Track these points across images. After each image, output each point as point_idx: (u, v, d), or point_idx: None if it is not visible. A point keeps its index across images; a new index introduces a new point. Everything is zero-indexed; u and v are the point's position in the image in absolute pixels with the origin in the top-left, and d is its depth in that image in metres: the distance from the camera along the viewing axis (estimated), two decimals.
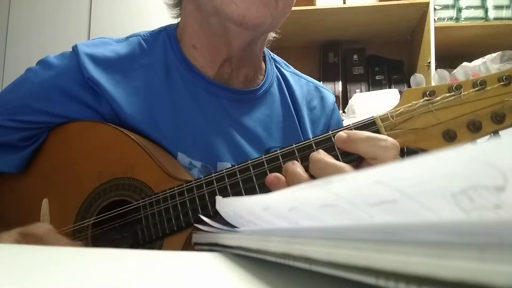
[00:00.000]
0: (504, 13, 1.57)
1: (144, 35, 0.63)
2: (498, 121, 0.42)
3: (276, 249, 0.18)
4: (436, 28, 1.51)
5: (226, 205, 0.29)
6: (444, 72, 0.45)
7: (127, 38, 0.63)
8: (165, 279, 0.20)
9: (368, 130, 0.44)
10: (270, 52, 0.71)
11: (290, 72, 0.71)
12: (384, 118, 0.44)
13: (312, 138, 0.45)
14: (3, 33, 1.92)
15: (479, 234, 0.09)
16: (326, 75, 1.76)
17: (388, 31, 1.72)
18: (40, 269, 0.21)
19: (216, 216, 0.46)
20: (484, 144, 0.10)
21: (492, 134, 0.44)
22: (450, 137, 0.43)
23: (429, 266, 0.10)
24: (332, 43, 1.80)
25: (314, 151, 0.44)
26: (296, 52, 1.88)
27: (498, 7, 1.58)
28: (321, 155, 0.42)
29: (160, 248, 0.49)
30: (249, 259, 0.23)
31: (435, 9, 1.57)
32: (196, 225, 0.36)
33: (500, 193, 0.09)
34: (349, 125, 0.45)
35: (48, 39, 1.86)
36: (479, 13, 1.58)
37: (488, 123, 0.42)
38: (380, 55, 1.76)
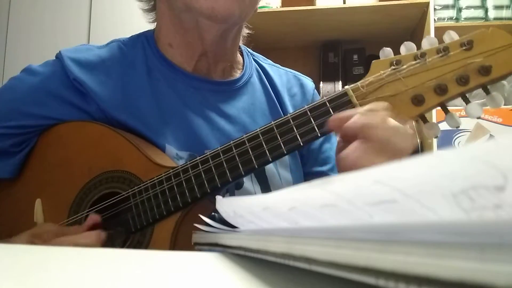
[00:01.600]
0: (504, 13, 1.57)
1: (123, 40, 0.66)
2: (463, 83, 0.44)
3: (276, 249, 0.18)
4: (436, 28, 1.51)
5: (226, 205, 0.29)
6: (411, 44, 0.48)
7: (107, 44, 0.65)
8: (166, 279, 0.20)
9: (340, 101, 0.46)
10: (248, 48, 0.73)
11: (269, 64, 0.73)
12: (355, 89, 0.46)
13: (289, 114, 0.47)
14: (3, 33, 1.92)
15: (479, 234, 0.09)
16: (326, 75, 1.76)
17: (388, 31, 1.72)
18: (40, 269, 0.21)
19: (204, 199, 0.48)
20: (484, 144, 0.10)
21: (461, 98, 0.46)
22: (418, 101, 0.45)
23: (429, 266, 0.10)
24: (332, 43, 1.80)
25: (291, 126, 0.46)
26: (296, 52, 1.88)
27: (498, 7, 1.58)
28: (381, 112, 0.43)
29: (151, 233, 0.50)
30: (249, 259, 0.23)
31: (435, 9, 1.57)
32: (196, 225, 0.36)
33: (500, 193, 0.09)
34: (323, 98, 0.47)
35: (48, 40, 1.85)
36: (479, 13, 1.58)
37: (454, 85, 0.44)
38: None
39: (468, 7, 1.59)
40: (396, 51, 0.49)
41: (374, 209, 0.13)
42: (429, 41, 0.46)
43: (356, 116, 0.42)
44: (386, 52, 0.48)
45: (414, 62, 0.45)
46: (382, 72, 0.46)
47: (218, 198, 0.32)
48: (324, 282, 0.17)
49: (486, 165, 0.09)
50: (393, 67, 0.46)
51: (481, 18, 1.58)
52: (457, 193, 0.10)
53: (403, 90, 0.45)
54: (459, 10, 1.60)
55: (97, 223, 0.50)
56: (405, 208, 0.12)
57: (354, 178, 0.14)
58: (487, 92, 0.45)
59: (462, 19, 1.58)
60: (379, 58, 0.49)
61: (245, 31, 0.68)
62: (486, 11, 1.58)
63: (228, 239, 0.26)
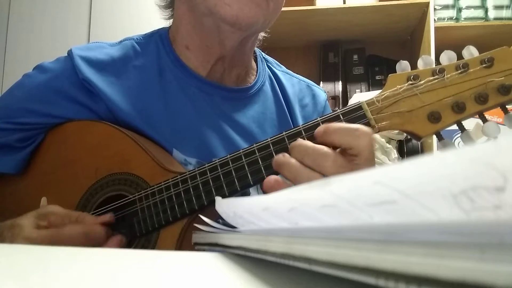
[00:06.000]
0: (504, 13, 1.57)
1: (137, 38, 0.64)
2: (481, 102, 0.43)
3: (276, 249, 0.18)
4: (436, 28, 1.51)
5: (226, 206, 0.29)
6: (429, 58, 0.46)
7: (120, 41, 0.64)
8: (166, 279, 0.20)
9: (354, 115, 0.45)
10: (262, 53, 0.72)
11: (282, 72, 0.72)
12: (370, 103, 0.45)
13: (301, 125, 0.46)
14: (3, 33, 1.92)
15: (479, 234, 0.09)
16: (326, 75, 1.76)
17: (388, 31, 1.72)
18: (40, 269, 0.21)
19: (211, 206, 0.47)
20: (484, 145, 0.10)
21: (478, 116, 0.44)
22: (435, 119, 0.44)
23: (429, 266, 0.10)
24: (332, 43, 1.80)
25: (304, 137, 0.45)
26: (296, 52, 1.88)
27: (498, 7, 1.58)
28: (300, 141, 0.43)
29: (156, 239, 0.50)
30: (249, 259, 0.23)
31: (435, 9, 1.57)
32: (196, 225, 0.36)
33: (500, 194, 0.09)
34: (336, 109, 0.46)
35: (48, 40, 1.85)
36: (479, 13, 1.58)
37: (472, 104, 0.43)
38: (380, 55, 1.76)
39: (468, 7, 1.59)
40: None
41: (374, 210, 0.13)
42: (448, 56, 0.45)
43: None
44: (403, 66, 0.46)
45: (432, 78, 0.44)
46: (399, 86, 0.45)
47: (218, 199, 0.32)
48: (324, 282, 0.17)
49: (486, 166, 0.09)
50: (410, 82, 0.44)
51: (481, 18, 1.58)
52: (457, 194, 0.10)
53: (419, 106, 0.44)
54: (459, 10, 1.60)
55: (110, 223, 0.49)
56: (405, 209, 0.12)
57: (353, 178, 0.14)
58: (505, 111, 0.43)
59: (462, 19, 1.58)
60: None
61: (261, 35, 0.68)
62: (486, 11, 1.58)
63: (228, 239, 0.26)
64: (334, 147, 0.44)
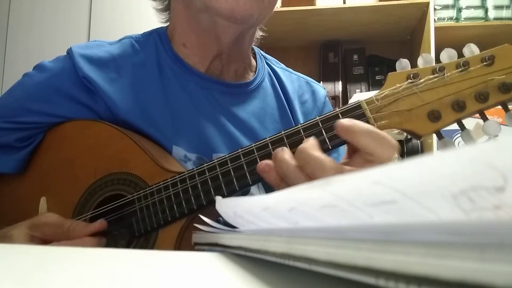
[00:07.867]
0: (504, 13, 1.57)
1: (136, 37, 0.65)
2: (482, 100, 0.42)
3: (276, 249, 0.18)
4: (436, 28, 1.51)
5: (226, 205, 0.29)
6: (429, 56, 0.45)
7: (119, 40, 0.64)
8: (165, 279, 0.20)
9: (353, 114, 0.44)
10: (261, 50, 0.72)
11: (281, 69, 0.72)
12: (369, 102, 0.45)
13: (300, 124, 0.46)
14: (3, 33, 1.92)
15: (479, 234, 0.09)
16: (326, 75, 1.76)
17: (388, 31, 1.72)
18: (40, 269, 0.21)
19: (210, 206, 0.47)
20: (484, 145, 0.10)
21: (478, 114, 0.44)
22: (435, 117, 0.43)
23: (429, 266, 0.10)
24: (332, 43, 1.80)
25: (302, 136, 0.45)
26: (296, 52, 1.88)
27: (498, 7, 1.58)
28: (306, 145, 0.40)
29: (155, 239, 0.50)
30: (249, 259, 0.23)
31: (435, 9, 1.57)
32: (196, 225, 0.36)
33: (500, 194, 0.09)
34: (335, 109, 0.46)
35: (48, 40, 1.85)
36: (479, 13, 1.58)
37: (472, 102, 0.43)
38: (380, 55, 1.76)
39: (468, 7, 1.59)
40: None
41: (374, 210, 0.13)
42: (448, 54, 0.44)
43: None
44: (403, 64, 0.46)
45: (432, 76, 0.43)
46: (398, 85, 0.44)
47: (218, 198, 0.32)
48: (324, 282, 0.17)
49: (486, 166, 0.09)
50: (410, 80, 0.44)
51: (481, 18, 1.58)
52: (457, 194, 0.10)
53: (419, 105, 0.43)
54: (459, 10, 1.60)
55: (102, 229, 0.49)
56: (405, 209, 0.12)
57: (354, 179, 0.14)
58: (506, 109, 0.43)
59: (462, 19, 1.58)
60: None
61: (258, 34, 0.68)
62: (486, 11, 1.58)
63: (228, 239, 0.26)
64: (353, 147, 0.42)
